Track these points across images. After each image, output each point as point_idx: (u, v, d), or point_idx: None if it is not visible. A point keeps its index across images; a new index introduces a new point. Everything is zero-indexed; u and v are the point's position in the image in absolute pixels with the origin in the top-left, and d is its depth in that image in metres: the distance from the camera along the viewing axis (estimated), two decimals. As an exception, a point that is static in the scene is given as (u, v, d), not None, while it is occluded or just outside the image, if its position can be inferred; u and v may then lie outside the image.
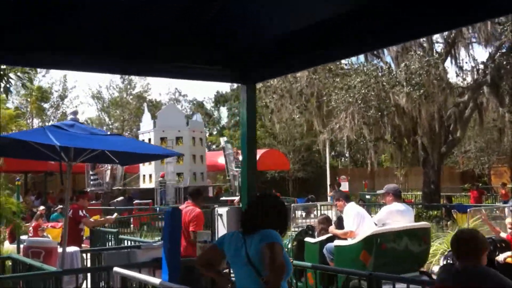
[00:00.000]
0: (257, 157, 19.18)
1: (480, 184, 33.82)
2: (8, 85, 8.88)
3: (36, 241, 6.15)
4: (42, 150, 5.98)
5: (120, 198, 23.90)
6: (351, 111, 17.32)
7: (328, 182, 36.03)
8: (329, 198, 35.87)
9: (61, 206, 21.33)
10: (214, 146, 45.81)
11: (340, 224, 8.34)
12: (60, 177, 6.16)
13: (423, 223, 8.26)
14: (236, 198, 22.13)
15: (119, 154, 6.48)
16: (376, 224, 7.59)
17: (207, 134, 45.40)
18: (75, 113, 6.12)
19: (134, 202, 23.33)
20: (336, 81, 17.73)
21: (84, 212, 9.32)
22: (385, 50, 20.07)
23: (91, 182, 25.04)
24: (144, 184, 26.74)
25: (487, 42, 19.49)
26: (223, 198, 24.60)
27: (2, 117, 20.60)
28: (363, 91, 16.84)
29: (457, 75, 21.69)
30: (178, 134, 26.31)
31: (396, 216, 7.57)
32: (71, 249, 6.56)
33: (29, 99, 25.01)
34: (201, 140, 28.21)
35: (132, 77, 43.31)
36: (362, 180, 37.63)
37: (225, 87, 55.79)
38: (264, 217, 3.76)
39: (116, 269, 4.59)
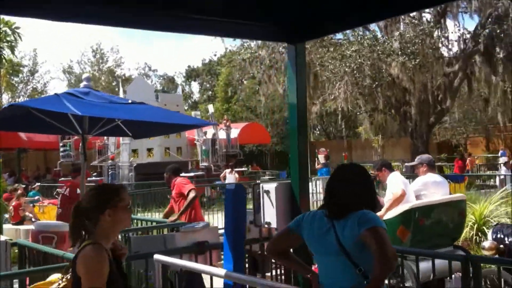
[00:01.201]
0: (238, 131, 18.48)
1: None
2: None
3: (48, 224, 5.34)
4: (51, 122, 5.18)
5: (94, 174, 23.05)
6: (345, 81, 16.74)
7: (309, 155, 35.61)
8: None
9: (38, 184, 20.40)
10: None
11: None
12: (83, 153, 5.35)
13: (459, 195, 7.72)
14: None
15: (136, 125, 5.73)
16: None
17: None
18: (88, 79, 5.29)
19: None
20: (330, 51, 17.06)
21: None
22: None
23: (61, 154, 24.06)
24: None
25: (479, 10, 19.12)
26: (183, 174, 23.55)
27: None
28: (359, 60, 16.23)
29: (443, 45, 21.35)
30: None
31: (432, 188, 7.03)
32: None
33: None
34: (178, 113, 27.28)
35: (104, 51, 41.91)
36: (338, 153, 37.45)
37: (196, 62, 54.46)
38: (353, 194, 3.11)
39: (157, 256, 3.90)
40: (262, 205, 4.68)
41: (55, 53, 67.32)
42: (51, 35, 68.88)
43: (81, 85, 5.27)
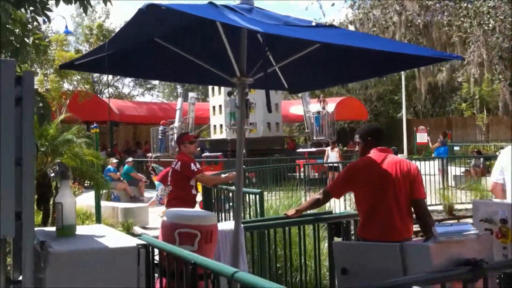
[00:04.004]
0: (333, 107, 16.04)
1: None
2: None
3: (188, 215, 3.54)
4: (188, 57, 3.40)
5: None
6: (480, 43, 14.09)
7: (405, 133, 32.98)
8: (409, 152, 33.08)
9: (131, 159, 19.29)
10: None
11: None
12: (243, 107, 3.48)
13: None
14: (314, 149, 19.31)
15: (301, 71, 3.84)
16: None
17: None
18: (247, -11, 3.42)
19: (203, 155, 20.89)
20: (462, 7, 14.42)
21: (197, 165, 6.83)
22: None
23: (160, 132, 22.79)
24: (215, 135, 24.42)
25: None
26: (300, 150, 21.88)
27: (61, 59, 18.40)
28: (501, 17, 13.52)
29: None
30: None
31: None
32: (231, 225, 4.04)
33: (91, 40, 22.56)
34: (276, 87, 25.36)
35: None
36: (436, 132, 34.57)
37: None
38: None
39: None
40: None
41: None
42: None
43: (237, 1, 3.42)
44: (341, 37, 3.01)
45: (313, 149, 20.76)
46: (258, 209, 5.84)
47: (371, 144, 4.23)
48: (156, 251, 3.30)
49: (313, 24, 3.22)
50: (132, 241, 2.69)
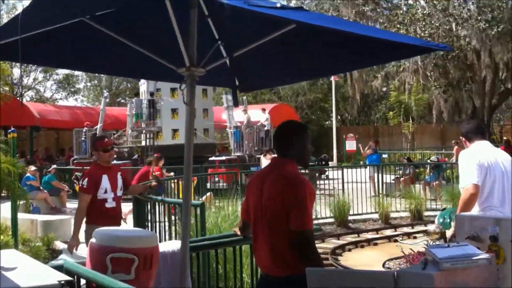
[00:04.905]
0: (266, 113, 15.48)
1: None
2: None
3: (123, 236, 2.88)
4: (127, 43, 2.78)
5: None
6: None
7: (335, 141, 33.36)
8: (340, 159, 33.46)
9: (54, 166, 18.01)
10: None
11: None
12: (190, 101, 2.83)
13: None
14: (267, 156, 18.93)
15: (252, 66, 3.32)
16: None
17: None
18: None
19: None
20: (397, 14, 14.45)
21: (85, 181, 5.62)
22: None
23: (83, 134, 21.49)
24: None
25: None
26: (212, 158, 20.87)
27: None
28: (436, 24, 13.63)
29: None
30: (172, 85, 22.71)
31: None
32: (173, 245, 3.39)
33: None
34: (205, 92, 24.69)
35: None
36: (364, 139, 35.32)
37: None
38: None
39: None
40: None
41: None
42: None
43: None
44: (315, 19, 2.51)
45: (224, 158, 20.36)
46: (199, 223, 5.21)
47: (276, 151, 3.37)
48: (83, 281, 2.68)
49: (278, 5, 2.71)
50: (53, 276, 2.04)
